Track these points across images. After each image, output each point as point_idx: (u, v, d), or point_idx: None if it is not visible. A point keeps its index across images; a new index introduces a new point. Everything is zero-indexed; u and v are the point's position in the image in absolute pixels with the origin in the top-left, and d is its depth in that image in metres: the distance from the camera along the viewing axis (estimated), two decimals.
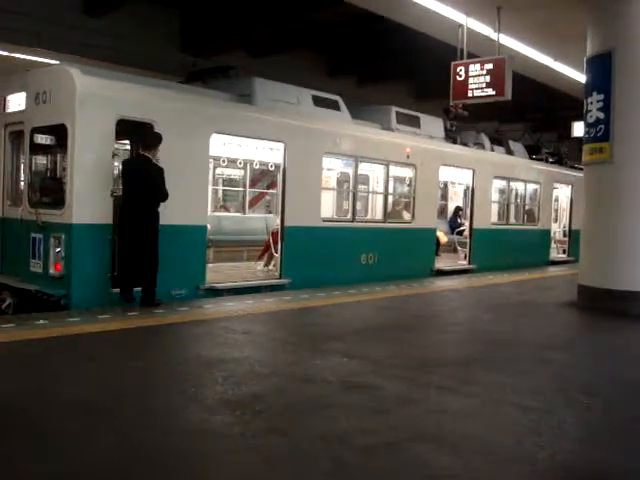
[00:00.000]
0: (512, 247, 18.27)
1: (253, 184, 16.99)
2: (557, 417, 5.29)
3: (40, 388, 5.50)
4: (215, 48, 19.51)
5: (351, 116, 13.74)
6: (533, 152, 21.62)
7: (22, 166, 10.58)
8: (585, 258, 11.82)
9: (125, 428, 4.65)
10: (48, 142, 10.32)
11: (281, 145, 11.84)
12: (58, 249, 9.17)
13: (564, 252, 22.53)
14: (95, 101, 9.21)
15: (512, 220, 19.63)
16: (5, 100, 10.42)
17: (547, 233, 20.98)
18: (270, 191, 17.10)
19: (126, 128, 9.72)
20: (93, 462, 4.07)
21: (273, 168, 13.21)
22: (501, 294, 13.39)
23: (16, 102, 10.19)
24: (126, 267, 9.28)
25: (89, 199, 9.16)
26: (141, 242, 9.21)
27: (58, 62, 13.85)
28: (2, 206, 10.57)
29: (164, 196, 9.26)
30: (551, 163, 22.21)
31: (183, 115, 10.33)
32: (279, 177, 12.10)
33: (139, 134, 9.77)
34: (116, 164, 9.71)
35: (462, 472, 4.18)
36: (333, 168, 15.54)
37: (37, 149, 10.46)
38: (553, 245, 22.06)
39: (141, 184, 9.20)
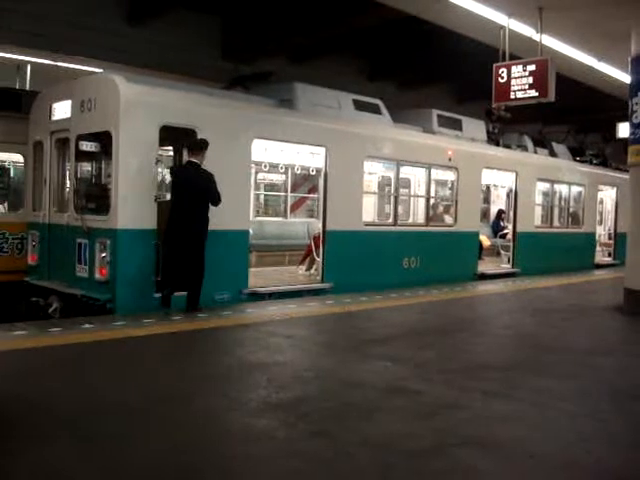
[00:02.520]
0: (556, 250, 18.03)
1: (295, 189, 17.02)
2: (604, 422, 5.21)
3: (86, 391, 5.58)
4: (256, 54, 19.58)
5: (392, 119, 13.69)
6: (577, 154, 21.32)
7: (68, 173, 10.75)
8: (631, 261, 11.61)
9: (169, 432, 4.68)
10: (93, 149, 10.49)
11: (322, 149, 11.86)
12: (103, 254, 9.28)
13: (609, 255, 22.19)
14: (139, 108, 9.32)
15: (556, 223, 19.37)
16: (51, 108, 10.59)
17: (592, 236, 20.66)
18: (311, 195, 17.11)
19: (168, 135, 9.83)
20: (137, 464, 4.11)
21: (314, 172, 13.22)
22: (545, 298, 13.23)
23: (62, 110, 10.35)
24: (172, 273, 9.34)
25: (133, 205, 9.26)
26: (191, 248, 9.31)
27: (102, 70, 14.06)
28: (48, 212, 10.74)
29: (218, 199, 9.35)
30: (595, 165, 21.88)
31: (225, 121, 10.41)
32: (320, 181, 12.12)
33: (186, 140, 9.86)
34: (159, 170, 9.81)
35: (509, 477, 4.14)
36: (374, 172, 15.51)
37: (82, 156, 10.63)
38: (598, 248, 21.72)
39: (193, 191, 9.27)
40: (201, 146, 9.47)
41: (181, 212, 9.25)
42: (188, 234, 9.28)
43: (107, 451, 4.29)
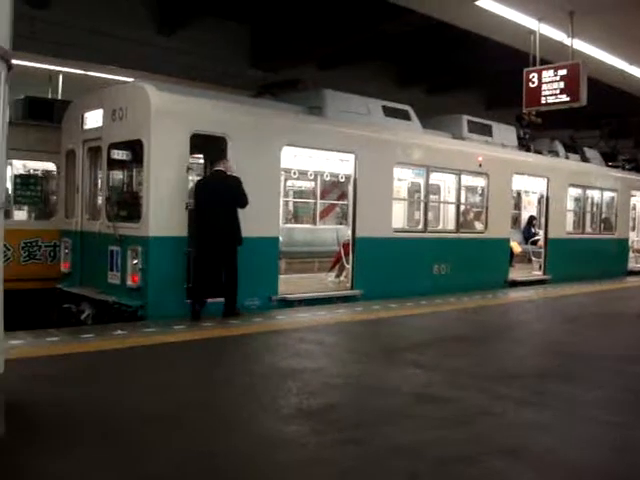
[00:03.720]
0: (589, 257, 17.81)
1: (324, 195, 17.03)
2: (637, 432, 5.14)
3: (116, 397, 5.62)
4: (285, 62, 19.64)
5: (422, 125, 13.65)
6: (609, 159, 21.08)
7: (100, 181, 10.86)
8: None
9: (200, 437, 4.69)
10: (124, 157, 10.58)
11: (352, 156, 11.84)
12: (135, 261, 9.35)
13: None
14: (170, 116, 9.40)
15: (588, 229, 19.16)
16: (83, 117, 10.72)
17: (625, 242, 20.41)
18: (341, 202, 17.11)
19: (199, 143, 9.90)
20: (168, 470, 4.13)
21: (344, 179, 13.22)
22: (578, 305, 13.09)
23: (93, 119, 10.48)
24: (207, 282, 9.43)
25: (165, 212, 9.33)
26: (227, 255, 9.41)
27: (132, 79, 14.20)
28: (81, 220, 10.85)
29: (245, 202, 9.44)
30: (628, 170, 21.62)
31: (255, 129, 10.44)
32: (350, 188, 12.10)
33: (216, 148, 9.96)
34: (190, 178, 9.87)
35: None
36: (404, 178, 15.45)
37: (114, 164, 10.73)
38: (631, 254, 21.44)
39: (224, 197, 9.39)
40: (222, 154, 9.60)
41: (215, 220, 9.33)
42: (224, 241, 9.39)
43: (133, 457, 4.32)
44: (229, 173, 9.60)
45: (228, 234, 9.41)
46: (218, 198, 9.36)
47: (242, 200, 9.42)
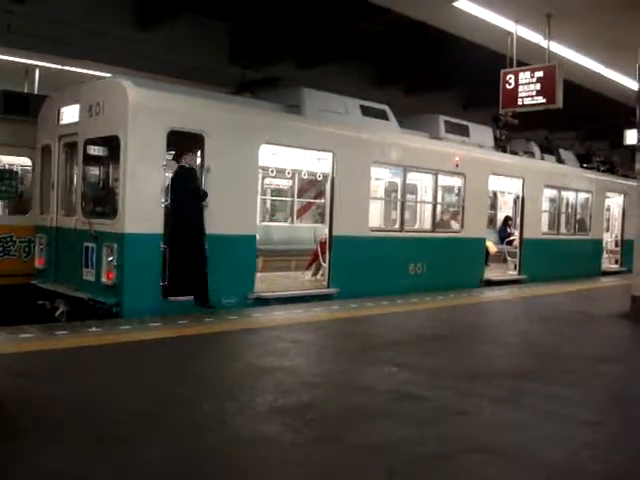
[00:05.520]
0: (563, 257, 17.96)
1: (301, 194, 17.02)
2: (611, 430, 5.20)
3: (91, 394, 5.57)
4: (263, 60, 19.65)
5: (399, 125, 13.69)
6: (584, 161, 21.28)
7: (75, 177, 10.77)
8: (638, 268, 11.58)
9: (176, 436, 4.68)
10: (101, 153, 10.51)
11: (329, 155, 11.85)
12: (110, 258, 9.29)
13: (616, 262, 22.11)
14: (147, 113, 9.35)
15: (563, 230, 19.32)
16: (59, 112, 10.63)
17: (599, 243, 20.61)
18: (318, 201, 17.12)
19: (175, 140, 9.87)
20: (143, 468, 4.12)
21: (321, 178, 13.23)
22: (552, 305, 13.20)
23: (70, 114, 10.39)
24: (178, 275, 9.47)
25: (141, 209, 9.29)
26: (191, 247, 9.48)
27: (110, 75, 14.10)
28: (56, 216, 10.76)
29: (198, 194, 9.61)
30: (603, 172, 21.84)
31: (233, 126, 10.41)
32: (327, 187, 12.11)
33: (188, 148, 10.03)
34: (167, 175, 9.83)
35: None
36: (381, 177, 15.49)
37: (90, 160, 10.65)
38: (605, 255, 21.66)
39: (182, 192, 9.59)
40: (181, 151, 9.82)
41: (178, 215, 9.50)
42: (188, 234, 9.52)
43: (112, 454, 4.29)
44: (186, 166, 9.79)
45: (191, 227, 9.52)
46: (179, 192, 9.54)
47: (195, 192, 9.61)
